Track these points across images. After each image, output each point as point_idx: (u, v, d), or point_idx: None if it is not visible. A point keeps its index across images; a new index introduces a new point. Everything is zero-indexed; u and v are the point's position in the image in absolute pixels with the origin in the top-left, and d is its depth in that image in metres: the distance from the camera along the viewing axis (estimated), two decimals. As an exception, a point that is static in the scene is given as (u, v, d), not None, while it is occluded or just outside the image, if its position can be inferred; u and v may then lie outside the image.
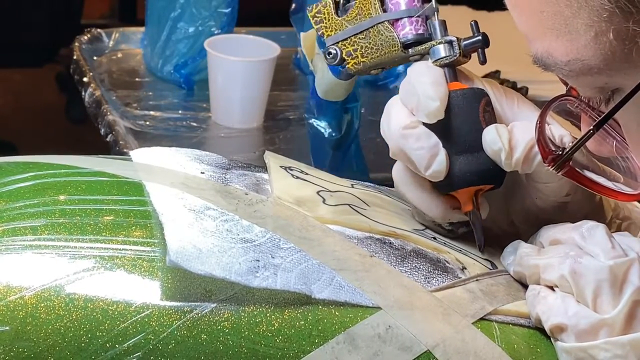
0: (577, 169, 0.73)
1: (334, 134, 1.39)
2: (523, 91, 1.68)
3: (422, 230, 0.80)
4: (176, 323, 0.66)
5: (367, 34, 0.79)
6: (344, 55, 0.80)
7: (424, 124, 0.76)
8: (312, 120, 1.40)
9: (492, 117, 0.77)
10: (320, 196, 0.79)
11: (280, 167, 0.83)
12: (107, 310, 0.66)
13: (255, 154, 1.48)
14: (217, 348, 0.66)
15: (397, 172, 0.80)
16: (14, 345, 0.65)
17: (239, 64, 1.51)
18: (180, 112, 1.57)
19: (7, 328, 0.65)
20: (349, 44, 0.80)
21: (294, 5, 1.75)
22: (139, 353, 0.65)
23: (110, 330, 0.66)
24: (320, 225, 0.76)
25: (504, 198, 0.81)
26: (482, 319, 0.71)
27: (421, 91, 0.76)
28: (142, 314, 0.67)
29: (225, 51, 1.51)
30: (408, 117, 0.76)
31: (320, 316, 0.68)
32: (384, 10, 0.80)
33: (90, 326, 0.66)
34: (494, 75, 1.72)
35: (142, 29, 1.74)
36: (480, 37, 0.78)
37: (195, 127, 1.53)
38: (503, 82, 1.69)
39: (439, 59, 0.78)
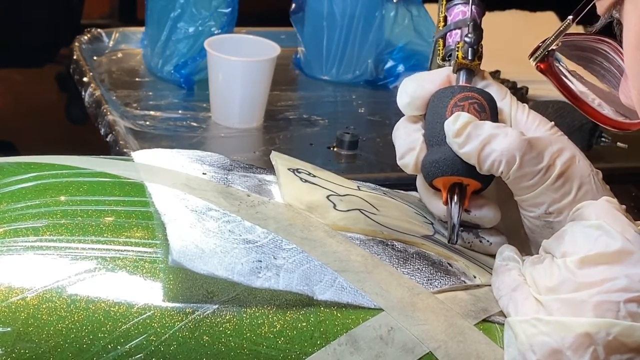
0: (556, 67, 0.74)
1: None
2: (523, 91, 1.68)
3: (432, 235, 0.80)
4: (178, 324, 0.66)
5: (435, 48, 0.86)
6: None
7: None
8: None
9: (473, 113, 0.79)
10: (331, 201, 0.79)
11: (288, 169, 0.83)
12: (109, 312, 0.66)
13: (255, 154, 1.48)
14: (219, 349, 0.66)
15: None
16: (16, 346, 0.65)
17: (239, 64, 1.50)
18: (180, 112, 1.57)
19: (9, 329, 0.65)
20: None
21: (294, 5, 1.75)
22: (141, 354, 0.65)
23: (112, 331, 0.66)
24: (323, 226, 0.76)
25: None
26: (484, 320, 0.71)
27: (401, 86, 0.83)
28: (144, 315, 0.66)
29: (225, 51, 1.51)
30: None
31: (322, 317, 0.68)
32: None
33: (92, 327, 0.66)
34: (494, 75, 1.72)
35: (142, 29, 1.73)
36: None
37: (195, 127, 1.53)
38: (503, 82, 1.68)
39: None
